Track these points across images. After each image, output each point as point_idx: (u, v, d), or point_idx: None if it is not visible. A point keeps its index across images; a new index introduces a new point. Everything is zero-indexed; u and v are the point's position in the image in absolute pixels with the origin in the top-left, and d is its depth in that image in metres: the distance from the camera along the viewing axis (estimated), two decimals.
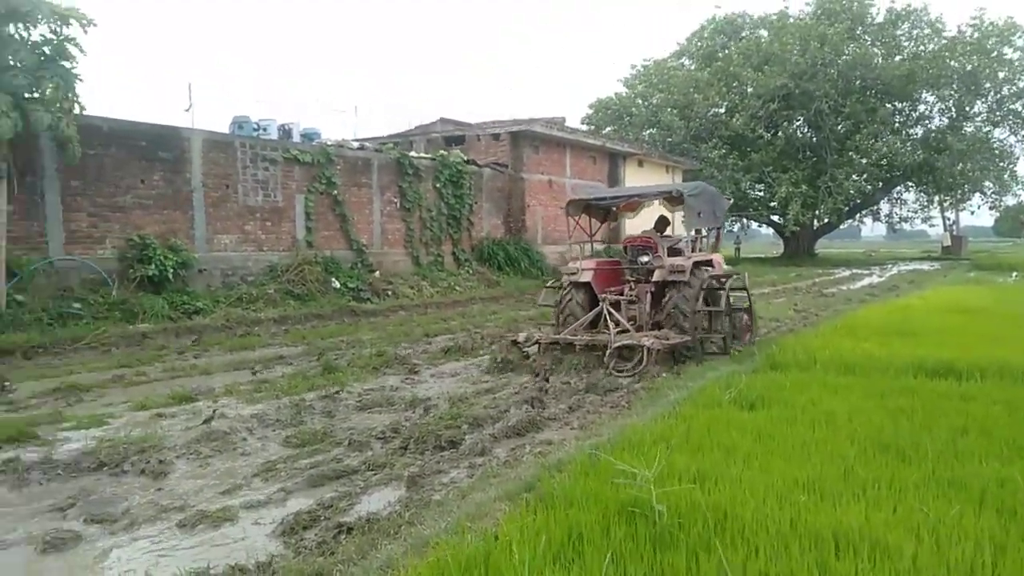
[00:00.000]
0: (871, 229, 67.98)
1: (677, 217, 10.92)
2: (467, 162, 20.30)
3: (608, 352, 8.18)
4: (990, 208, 45.60)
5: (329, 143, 16.75)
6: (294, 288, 14.34)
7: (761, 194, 41.25)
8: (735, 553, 2.95)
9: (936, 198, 45.29)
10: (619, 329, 8.71)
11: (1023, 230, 65.92)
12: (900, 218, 47.76)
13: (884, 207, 47.17)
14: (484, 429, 6.05)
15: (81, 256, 11.81)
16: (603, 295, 9.13)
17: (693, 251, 9.82)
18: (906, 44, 40.56)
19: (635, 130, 41.33)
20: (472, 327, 12.50)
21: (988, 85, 38.79)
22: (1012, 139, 41.26)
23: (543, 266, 21.68)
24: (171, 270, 12.40)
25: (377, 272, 16.77)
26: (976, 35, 38.49)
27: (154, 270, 12.18)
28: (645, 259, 9.54)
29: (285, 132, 16.45)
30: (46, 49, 10.15)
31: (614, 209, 10.63)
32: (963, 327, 9.73)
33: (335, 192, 16.12)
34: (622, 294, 9.33)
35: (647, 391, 7.11)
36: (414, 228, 18.35)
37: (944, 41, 39.16)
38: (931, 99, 40.74)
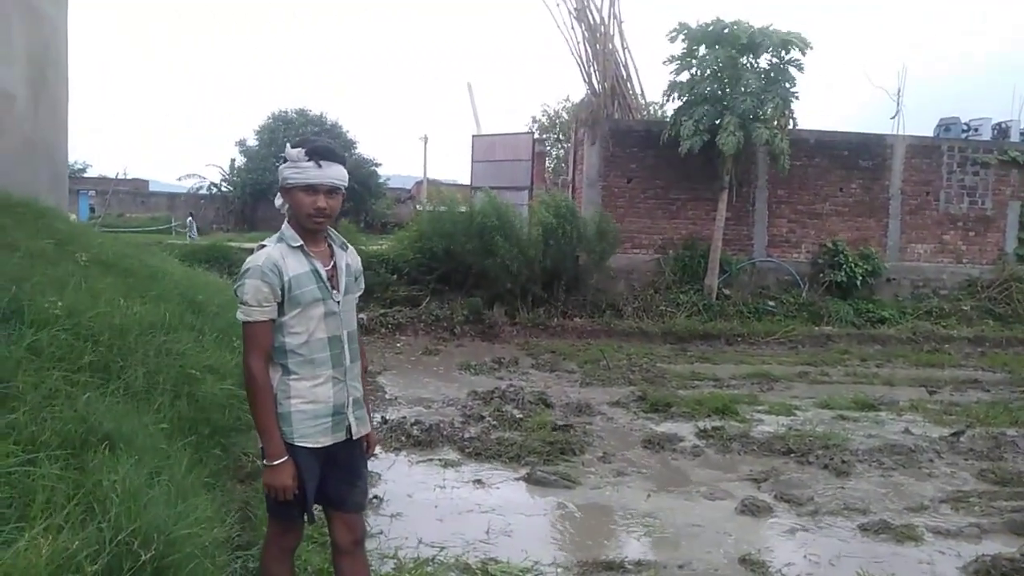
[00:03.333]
0: None
1: None
2: None
3: None
4: None
5: None
6: (995, 307, 12.67)
7: None
8: None
9: None
10: None
11: None
12: None
13: None
14: None
15: (779, 258, 12.93)
16: None
17: None
18: None
19: None
20: None
21: None
22: None
23: None
24: (859, 277, 12.47)
25: None
26: None
27: (843, 276, 12.45)
28: None
29: (1001, 131, 14.55)
30: (771, 73, 11.38)
31: None
32: None
33: None
34: None
35: None
36: None
37: None
38: None
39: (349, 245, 2.64)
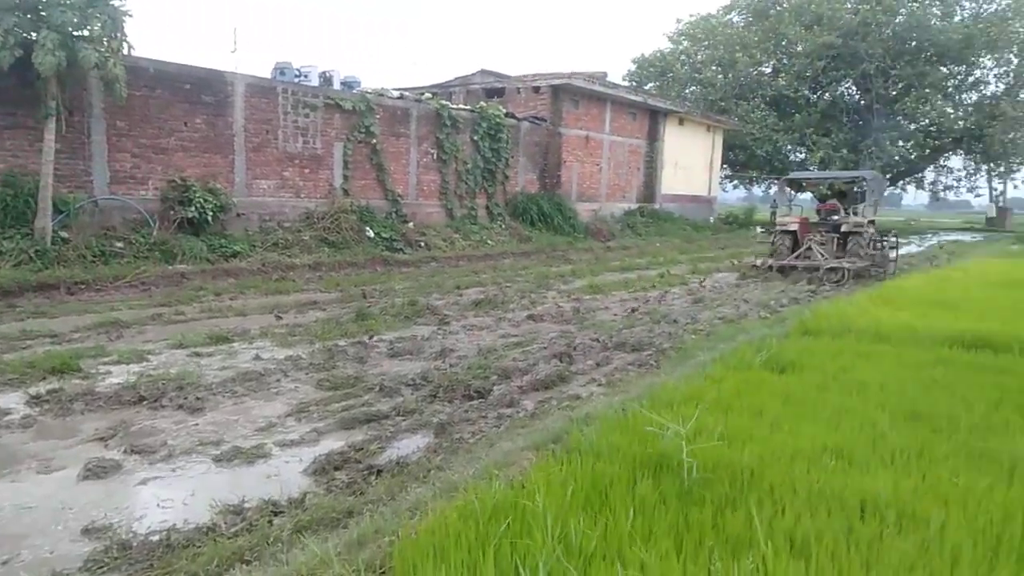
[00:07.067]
0: (913, 198, 65.61)
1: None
2: (505, 115, 20.09)
3: (822, 270, 13.31)
4: None
5: (369, 91, 16.68)
6: (329, 236, 14.48)
7: (802, 157, 40.33)
8: (761, 511, 2.95)
9: (984, 167, 43.95)
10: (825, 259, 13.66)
11: None
12: (944, 187, 46.34)
13: (929, 175, 45.77)
14: (512, 381, 6.12)
15: (124, 196, 12.03)
16: (807, 238, 14.24)
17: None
18: (967, 4, 38.58)
19: (678, 87, 40.57)
20: (503, 281, 12.53)
21: None
22: None
23: (576, 223, 21.51)
24: (210, 213, 12.57)
25: (411, 223, 16.83)
26: None
27: (194, 212, 12.35)
28: (835, 217, 14.68)
29: (326, 79, 16.38)
30: None
31: (804, 184, 15.88)
32: (1003, 300, 9.45)
33: (373, 141, 16.10)
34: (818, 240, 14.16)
35: (676, 351, 7.10)
36: (449, 180, 18.30)
37: (1009, 1, 37.16)
38: (989, 63, 38.91)
39: None
